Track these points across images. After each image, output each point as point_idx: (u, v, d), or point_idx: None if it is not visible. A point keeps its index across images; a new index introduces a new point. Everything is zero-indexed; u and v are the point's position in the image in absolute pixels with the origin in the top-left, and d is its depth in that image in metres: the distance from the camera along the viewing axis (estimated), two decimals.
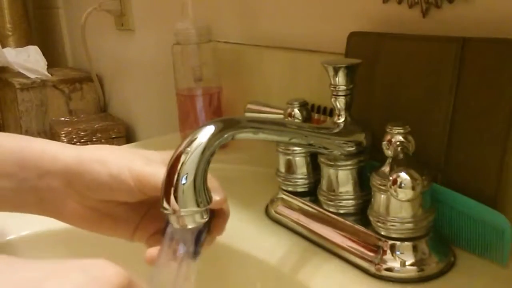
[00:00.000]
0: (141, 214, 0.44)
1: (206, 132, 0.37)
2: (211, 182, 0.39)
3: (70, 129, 1.33)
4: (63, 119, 1.43)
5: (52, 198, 0.43)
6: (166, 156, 0.43)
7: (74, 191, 0.42)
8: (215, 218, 0.41)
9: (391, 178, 0.42)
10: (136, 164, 0.41)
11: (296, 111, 0.56)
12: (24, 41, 1.75)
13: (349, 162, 0.51)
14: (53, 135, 1.40)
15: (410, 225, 0.44)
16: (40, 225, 0.56)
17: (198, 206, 0.37)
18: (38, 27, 1.93)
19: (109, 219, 0.44)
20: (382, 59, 0.57)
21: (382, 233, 0.46)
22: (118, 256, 0.54)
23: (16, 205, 0.44)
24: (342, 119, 0.51)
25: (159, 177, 0.40)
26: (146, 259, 0.40)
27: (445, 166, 0.51)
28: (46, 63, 1.55)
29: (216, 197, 0.39)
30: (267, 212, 0.59)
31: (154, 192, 0.40)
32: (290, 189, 0.57)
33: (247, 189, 0.67)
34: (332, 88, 0.51)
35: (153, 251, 0.41)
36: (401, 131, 0.46)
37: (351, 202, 0.51)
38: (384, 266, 0.45)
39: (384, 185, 0.45)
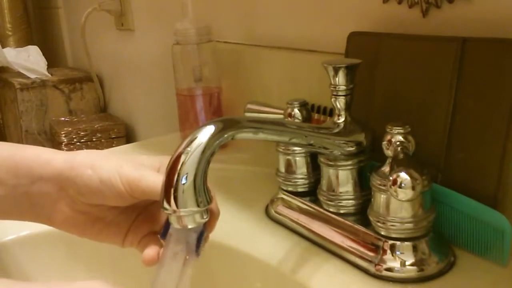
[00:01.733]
0: (132, 218, 0.44)
1: (206, 132, 0.37)
2: None
3: (70, 129, 1.33)
4: (63, 119, 1.43)
5: (44, 203, 0.43)
6: (156, 161, 0.43)
7: (66, 196, 0.43)
8: None
9: (391, 178, 0.42)
10: (125, 168, 0.41)
11: (296, 111, 0.56)
12: (24, 41, 1.76)
13: (349, 162, 0.51)
14: (53, 135, 1.40)
15: (410, 225, 0.44)
16: (39, 225, 0.56)
17: (198, 206, 0.37)
18: (38, 27, 1.93)
19: (101, 224, 0.44)
20: (382, 59, 0.57)
21: (382, 233, 0.46)
22: (117, 256, 0.54)
23: (8, 212, 0.44)
24: (342, 119, 0.51)
25: (149, 181, 0.40)
26: (143, 261, 0.41)
27: (445, 166, 0.51)
28: (46, 63, 1.55)
29: None
30: (267, 212, 0.59)
31: (144, 196, 0.41)
32: (290, 189, 0.57)
33: (247, 189, 0.67)
34: (332, 88, 0.51)
35: (151, 252, 0.41)
36: (401, 131, 0.46)
37: (351, 202, 0.51)
38: (384, 266, 0.45)
39: (384, 185, 0.45)
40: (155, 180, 0.39)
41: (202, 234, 0.39)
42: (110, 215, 0.44)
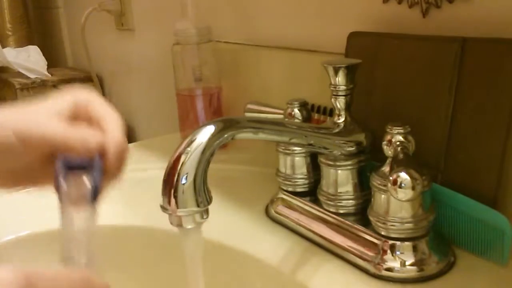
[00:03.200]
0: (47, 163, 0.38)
1: (206, 132, 0.38)
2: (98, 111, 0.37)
3: None
4: None
5: None
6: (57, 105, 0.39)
7: None
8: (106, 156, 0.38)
9: (391, 178, 0.42)
10: (16, 117, 0.37)
11: (296, 111, 0.56)
12: (24, 41, 1.75)
13: (349, 162, 0.51)
14: None
15: (410, 225, 0.44)
16: (38, 225, 0.56)
17: (198, 206, 0.37)
18: (38, 27, 1.93)
19: (16, 177, 0.39)
20: (382, 59, 0.57)
21: (382, 233, 0.46)
22: (115, 254, 0.54)
23: None
24: (342, 119, 0.51)
25: (42, 125, 0.36)
26: None
27: (445, 166, 0.51)
28: (46, 63, 1.55)
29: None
30: (267, 212, 0.59)
31: (41, 141, 0.36)
32: (290, 189, 0.57)
33: (247, 189, 0.67)
34: (332, 88, 0.51)
35: None
36: (401, 131, 0.46)
37: (351, 202, 0.51)
38: (384, 266, 0.45)
39: (384, 185, 0.45)
40: (55, 127, 0.36)
41: (97, 179, 0.36)
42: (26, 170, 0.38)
